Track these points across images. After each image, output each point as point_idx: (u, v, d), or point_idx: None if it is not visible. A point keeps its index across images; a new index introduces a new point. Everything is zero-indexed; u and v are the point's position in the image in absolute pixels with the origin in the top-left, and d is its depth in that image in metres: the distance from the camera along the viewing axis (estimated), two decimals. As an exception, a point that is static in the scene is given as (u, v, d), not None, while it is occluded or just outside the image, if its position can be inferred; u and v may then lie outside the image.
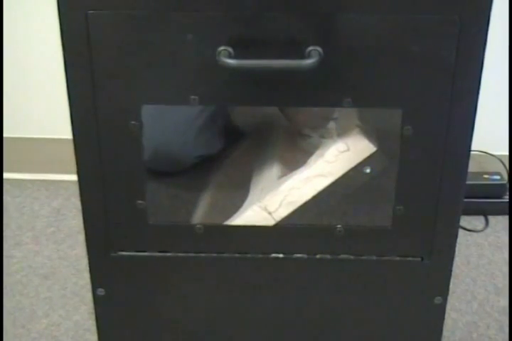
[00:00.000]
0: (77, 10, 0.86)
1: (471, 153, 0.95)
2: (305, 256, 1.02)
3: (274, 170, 1.15)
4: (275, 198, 1.04)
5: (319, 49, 0.86)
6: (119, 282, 1.05)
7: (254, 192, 1.13)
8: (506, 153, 1.76)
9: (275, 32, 0.87)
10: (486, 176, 1.73)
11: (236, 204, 1.11)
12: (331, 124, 1.15)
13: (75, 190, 0.99)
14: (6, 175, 1.85)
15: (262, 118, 1.30)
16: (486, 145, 1.72)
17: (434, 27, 0.86)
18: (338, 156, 1.02)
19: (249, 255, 1.02)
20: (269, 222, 1.03)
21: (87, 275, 1.06)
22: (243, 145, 1.29)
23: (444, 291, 1.04)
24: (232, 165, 1.26)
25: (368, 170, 1.02)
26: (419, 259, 1.02)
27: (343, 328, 1.09)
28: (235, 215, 1.06)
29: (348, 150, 1.02)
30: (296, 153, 1.21)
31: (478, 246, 1.62)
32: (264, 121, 1.30)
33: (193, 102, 0.92)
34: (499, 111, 1.74)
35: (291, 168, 1.14)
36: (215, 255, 1.02)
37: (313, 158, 1.06)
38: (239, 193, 1.15)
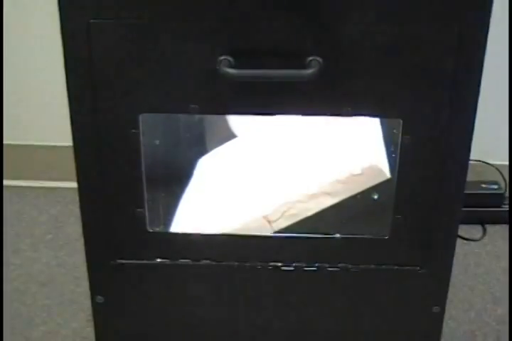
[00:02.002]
0: (79, 19, 0.86)
1: (469, 162, 0.95)
2: (304, 264, 1.02)
3: (276, 174, 1.15)
4: (278, 208, 1.03)
5: (319, 59, 0.87)
6: (118, 290, 1.05)
7: (255, 193, 1.12)
8: (504, 162, 1.76)
9: (275, 42, 0.87)
10: (483, 185, 1.73)
11: (235, 208, 1.11)
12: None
13: (74, 198, 0.99)
14: (4, 182, 1.84)
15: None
16: (484, 154, 1.72)
17: (434, 37, 0.86)
18: (349, 178, 1.02)
19: (248, 263, 1.02)
20: (268, 230, 1.04)
21: (85, 283, 1.06)
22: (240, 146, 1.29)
23: (441, 300, 1.05)
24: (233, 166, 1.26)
25: (376, 197, 1.02)
26: (417, 268, 1.02)
27: (341, 336, 1.09)
28: (234, 220, 1.06)
29: (362, 174, 1.02)
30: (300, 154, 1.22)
31: (475, 255, 1.62)
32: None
33: (192, 111, 0.92)
34: (497, 121, 1.74)
35: (292, 173, 1.15)
36: (213, 263, 1.02)
37: (324, 173, 1.05)
38: (239, 197, 1.15)
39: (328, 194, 1.03)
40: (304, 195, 1.04)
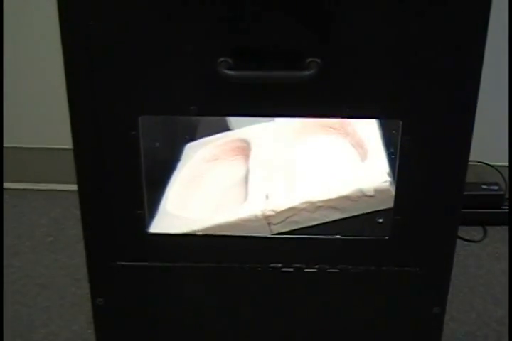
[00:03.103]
0: (78, 21, 0.86)
1: (469, 163, 0.95)
2: (304, 266, 1.02)
3: (279, 173, 1.15)
4: (283, 213, 1.03)
5: (318, 60, 0.87)
6: (119, 292, 1.05)
7: (255, 191, 1.11)
8: (504, 163, 1.76)
9: (275, 43, 0.87)
10: (484, 186, 1.74)
11: (236, 203, 1.11)
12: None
13: (74, 200, 0.99)
14: (5, 185, 1.85)
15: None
16: (484, 155, 1.73)
17: (433, 38, 0.87)
18: (360, 198, 1.02)
19: (248, 265, 1.02)
20: (265, 231, 1.03)
21: (85, 285, 1.06)
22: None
23: (442, 301, 1.05)
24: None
25: (381, 220, 1.02)
26: (418, 269, 1.02)
27: (341, 337, 1.09)
28: (233, 215, 1.05)
29: (374, 196, 1.02)
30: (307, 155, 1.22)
31: (476, 256, 1.62)
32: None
33: (192, 112, 0.92)
34: (497, 122, 1.74)
35: (298, 172, 1.15)
36: (214, 264, 1.02)
37: (335, 186, 1.05)
38: (240, 192, 1.15)
39: (336, 208, 1.03)
40: (311, 205, 1.03)
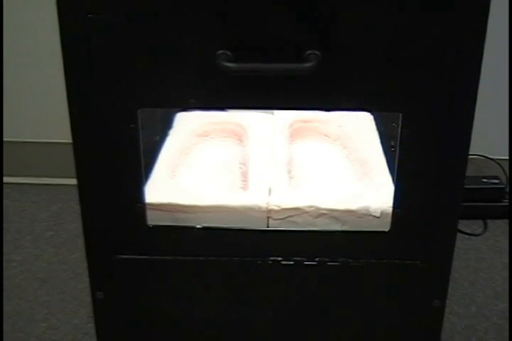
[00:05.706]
0: (77, 13, 0.86)
1: (470, 157, 0.95)
2: (304, 259, 1.02)
3: (283, 164, 1.15)
4: (286, 211, 1.03)
5: (318, 52, 0.87)
6: (119, 285, 1.05)
7: (257, 181, 1.11)
8: (505, 157, 1.76)
9: (274, 36, 0.87)
10: (484, 180, 1.73)
11: (241, 188, 1.12)
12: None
13: (74, 194, 0.99)
14: (5, 179, 1.85)
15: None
16: (485, 149, 1.72)
17: (433, 31, 0.86)
18: (365, 216, 1.02)
19: (248, 258, 1.02)
20: (262, 224, 1.03)
21: (85, 279, 1.06)
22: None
23: (442, 295, 1.05)
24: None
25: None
26: (418, 262, 1.02)
27: (341, 331, 1.09)
28: (235, 199, 1.05)
29: (379, 217, 1.02)
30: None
31: (476, 250, 1.62)
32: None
33: (191, 105, 0.92)
34: (498, 115, 1.74)
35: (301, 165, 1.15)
36: (214, 258, 1.02)
37: (343, 197, 1.05)
38: (231, 174, 1.16)
39: (338, 220, 1.03)
40: (315, 209, 1.03)
